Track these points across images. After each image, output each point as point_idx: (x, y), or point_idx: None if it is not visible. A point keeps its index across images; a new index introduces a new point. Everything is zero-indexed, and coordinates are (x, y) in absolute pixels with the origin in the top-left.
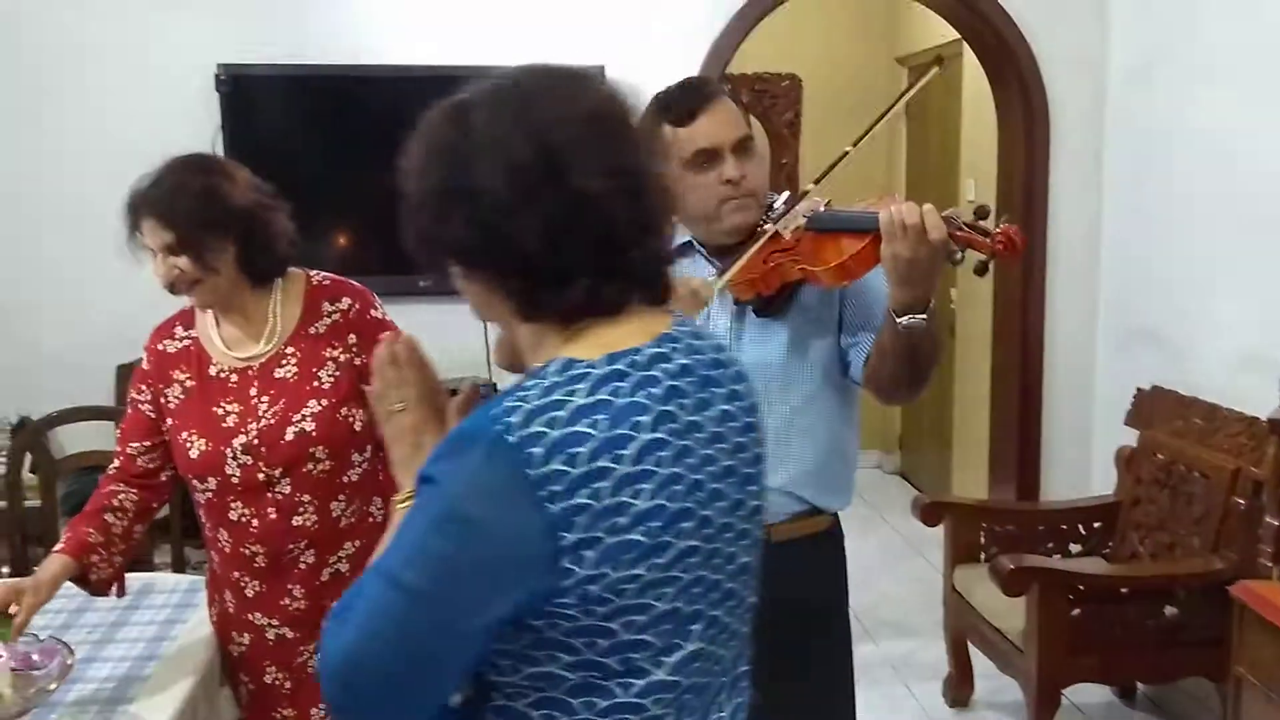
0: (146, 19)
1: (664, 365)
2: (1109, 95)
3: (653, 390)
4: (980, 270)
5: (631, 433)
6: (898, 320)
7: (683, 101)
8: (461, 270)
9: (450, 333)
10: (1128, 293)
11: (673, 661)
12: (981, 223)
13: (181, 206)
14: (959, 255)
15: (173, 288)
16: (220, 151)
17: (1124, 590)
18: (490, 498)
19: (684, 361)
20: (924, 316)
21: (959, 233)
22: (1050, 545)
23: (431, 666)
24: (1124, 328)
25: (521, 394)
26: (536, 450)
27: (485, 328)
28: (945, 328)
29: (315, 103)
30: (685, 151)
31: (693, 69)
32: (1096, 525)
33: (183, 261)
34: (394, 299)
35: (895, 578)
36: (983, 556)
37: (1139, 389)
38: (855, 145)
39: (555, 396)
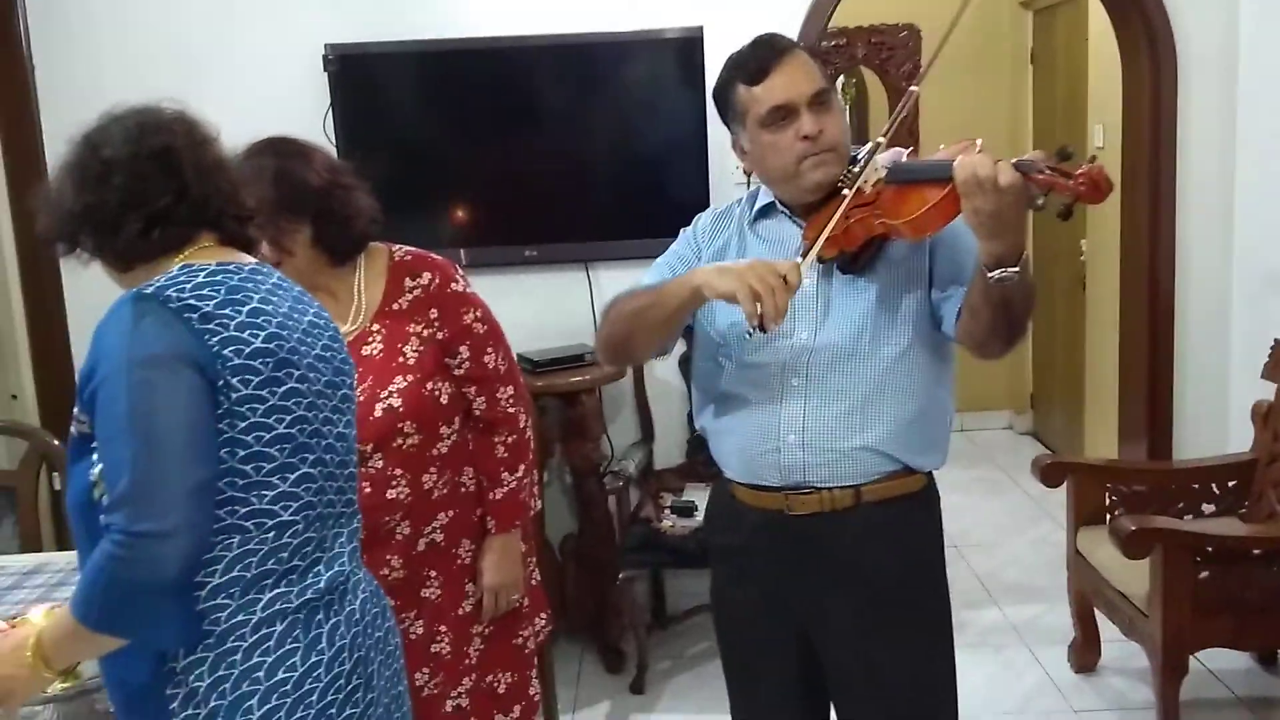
0: (258, 3)
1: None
2: (1241, 31)
3: (258, 277)
4: (1064, 214)
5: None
6: (989, 275)
7: (754, 59)
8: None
9: (556, 300)
10: (1264, 238)
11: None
12: (1064, 164)
13: (254, 191)
14: (1040, 200)
15: None
16: (330, 131)
17: (1257, 552)
18: None
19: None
20: (1016, 270)
21: (1040, 175)
22: (1181, 506)
23: None
24: (1260, 275)
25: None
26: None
27: (591, 297)
28: (1039, 279)
29: (422, 79)
30: (761, 109)
31: (794, 24)
32: (1231, 484)
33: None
34: (503, 269)
35: (1023, 541)
36: (1108, 518)
37: (1276, 339)
38: (918, 83)
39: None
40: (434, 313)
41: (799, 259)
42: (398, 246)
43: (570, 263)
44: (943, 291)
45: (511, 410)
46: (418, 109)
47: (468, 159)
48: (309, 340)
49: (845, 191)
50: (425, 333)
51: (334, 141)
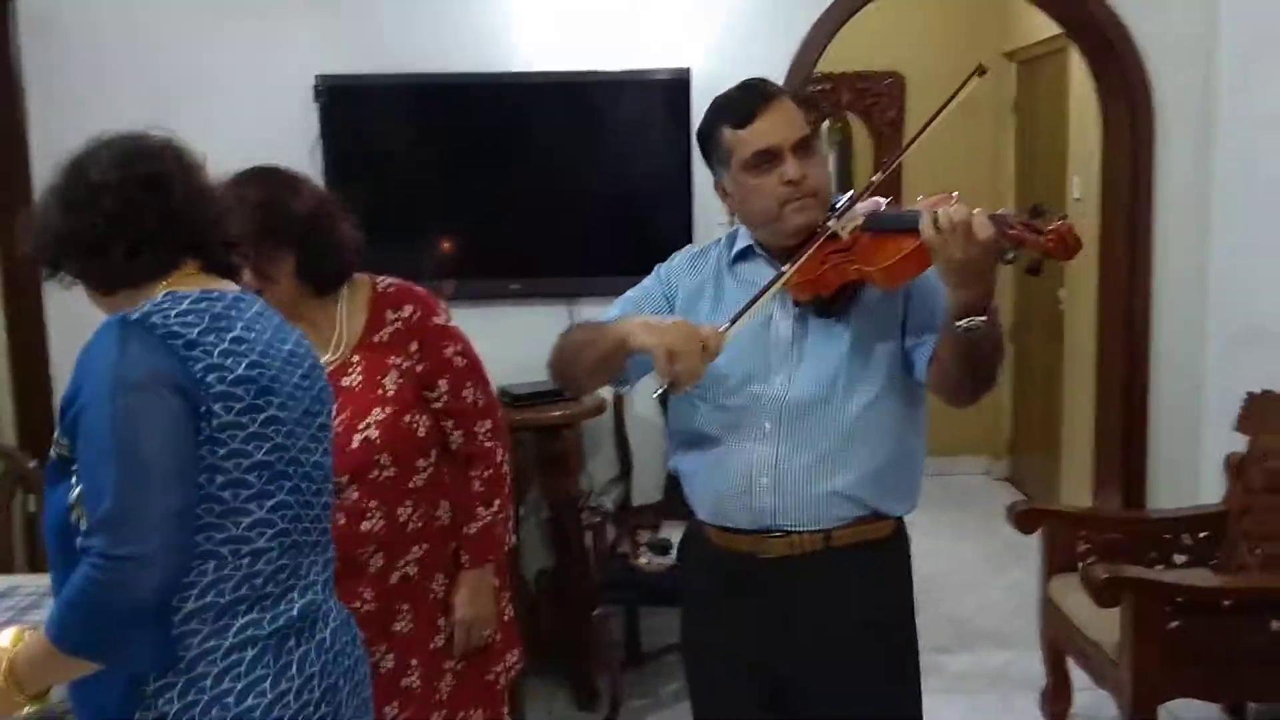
0: (248, 33)
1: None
2: (1218, 85)
3: (241, 305)
4: (1033, 270)
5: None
6: (956, 324)
7: (742, 103)
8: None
9: (539, 334)
10: (1239, 291)
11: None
12: (1036, 220)
13: (239, 220)
14: (1010, 254)
15: None
16: (319, 161)
17: (1227, 603)
18: None
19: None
20: (983, 319)
21: (1010, 231)
22: (1153, 555)
23: None
24: (1235, 328)
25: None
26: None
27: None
28: (1006, 330)
29: (411, 112)
30: (745, 153)
31: (780, 69)
32: (1203, 535)
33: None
34: (486, 302)
35: (997, 587)
36: (1080, 566)
37: (1249, 393)
38: (906, 148)
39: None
40: (414, 345)
41: (724, 327)
42: (382, 278)
43: (553, 297)
44: (916, 338)
45: (489, 445)
46: (406, 141)
47: (454, 192)
48: (289, 369)
49: (820, 237)
50: (405, 365)
51: (323, 172)
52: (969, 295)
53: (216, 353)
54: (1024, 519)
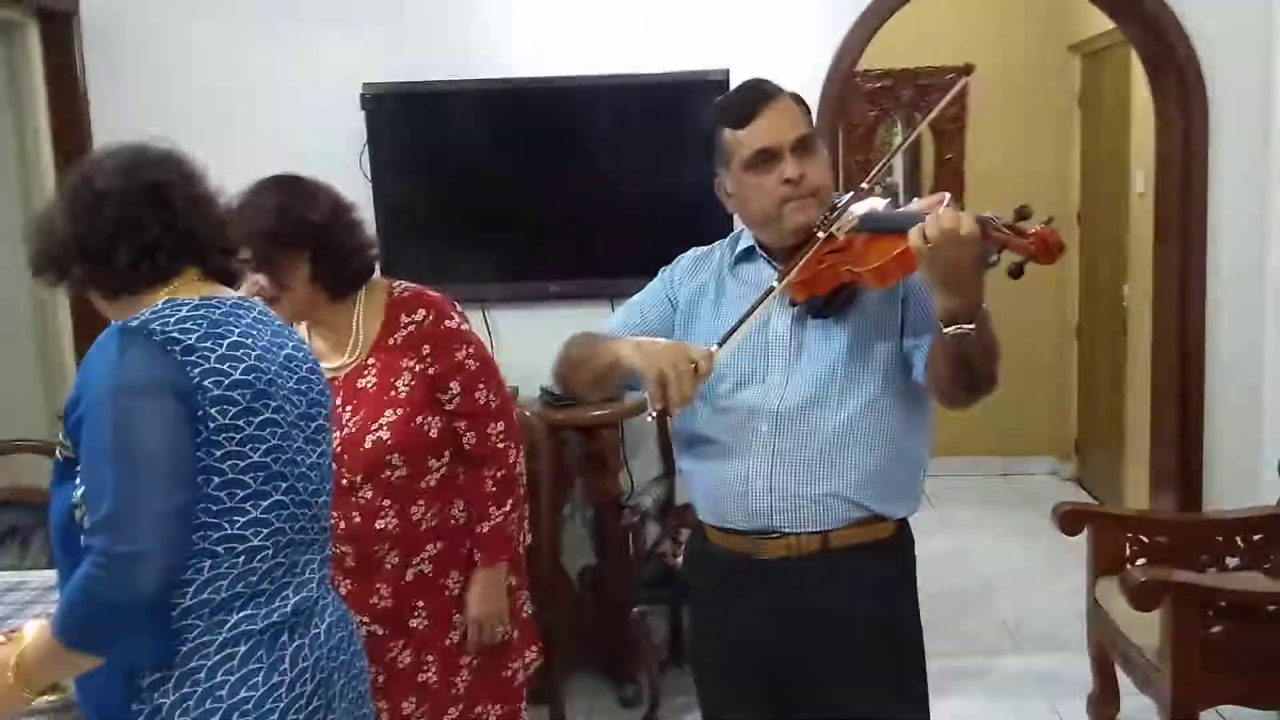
0: (297, 42)
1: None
2: (1275, 81)
3: (239, 312)
4: (1015, 273)
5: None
6: (944, 331)
7: (740, 103)
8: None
9: (580, 329)
10: None
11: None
12: (1021, 223)
13: (255, 226)
14: (994, 257)
15: None
16: (366, 167)
17: (1272, 608)
18: None
19: (258, 314)
20: (971, 327)
21: (995, 233)
22: (1205, 558)
23: None
24: None
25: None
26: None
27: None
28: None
29: (455, 118)
30: (744, 153)
31: (821, 68)
32: (1257, 538)
33: (260, 277)
34: (526, 304)
35: (1052, 589)
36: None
37: None
38: (899, 149)
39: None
40: (426, 348)
41: (714, 347)
42: (399, 283)
43: (593, 298)
44: (915, 340)
45: (501, 446)
46: (450, 147)
47: (498, 196)
48: (286, 373)
49: (820, 236)
50: (417, 367)
51: (369, 178)
52: (955, 301)
53: (214, 358)
54: (1068, 520)
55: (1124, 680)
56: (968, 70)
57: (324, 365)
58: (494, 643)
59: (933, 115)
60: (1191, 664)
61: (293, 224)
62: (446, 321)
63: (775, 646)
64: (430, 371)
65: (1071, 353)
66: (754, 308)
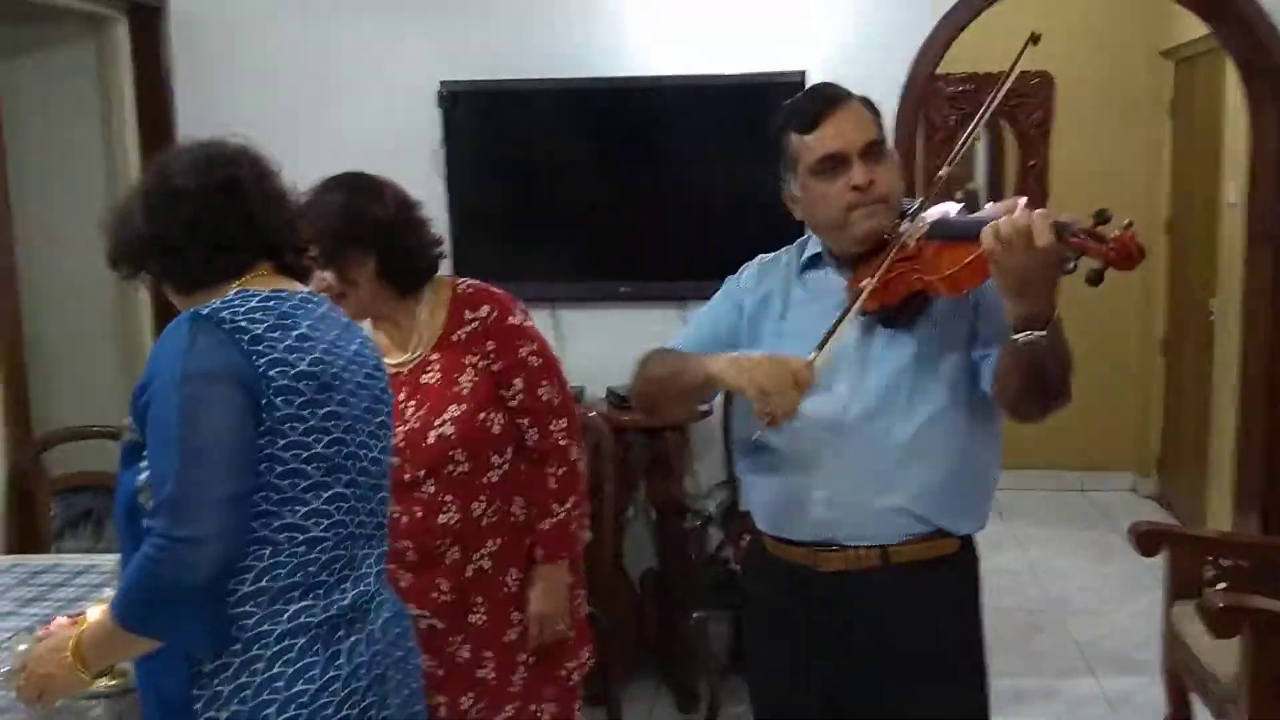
0: (375, 39)
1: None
2: None
3: (309, 305)
4: (1094, 280)
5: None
6: (1015, 337)
7: (807, 108)
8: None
9: (648, 336)
10: None
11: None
12: (1100, 228)
13: (322, 223)
14: (1072, 264)
15: None
16: (442, 165)
17: None
18: None
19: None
20: (1042, 334)
21: (1072, 239)
22: None
23: None
24: None
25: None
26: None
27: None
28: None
29: (532, 116)
30: (811, 158)
31: (900, 71)
32: None
33: (328, 274)
34: (595, 304)
35: (1130, 610)
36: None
37: None
38: (970, 136)
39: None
40: (490, 345)
41: (812, 355)
42: (463, 279)
43: (663, 300)
44: (984, 350)
45: (563, 443)
46: (525, 145)
47: (571, 195)
48: (351, 368)
49: (889, 245)
50: (481, 364)
51: (445, 176)
52: (1027, 307)
53: (281, 348)
54: (1146, 540)
55: (1199, 707)
56: (1035, 40)
57: (388, 361)
58: (554, 641)
59: (1000, 93)
60: (1270, 694)
61: (359, 221)
62: (510, 318)
63: (832, 661)
64: (494, 368)
65: (1156, 366)
66: (845, 313)
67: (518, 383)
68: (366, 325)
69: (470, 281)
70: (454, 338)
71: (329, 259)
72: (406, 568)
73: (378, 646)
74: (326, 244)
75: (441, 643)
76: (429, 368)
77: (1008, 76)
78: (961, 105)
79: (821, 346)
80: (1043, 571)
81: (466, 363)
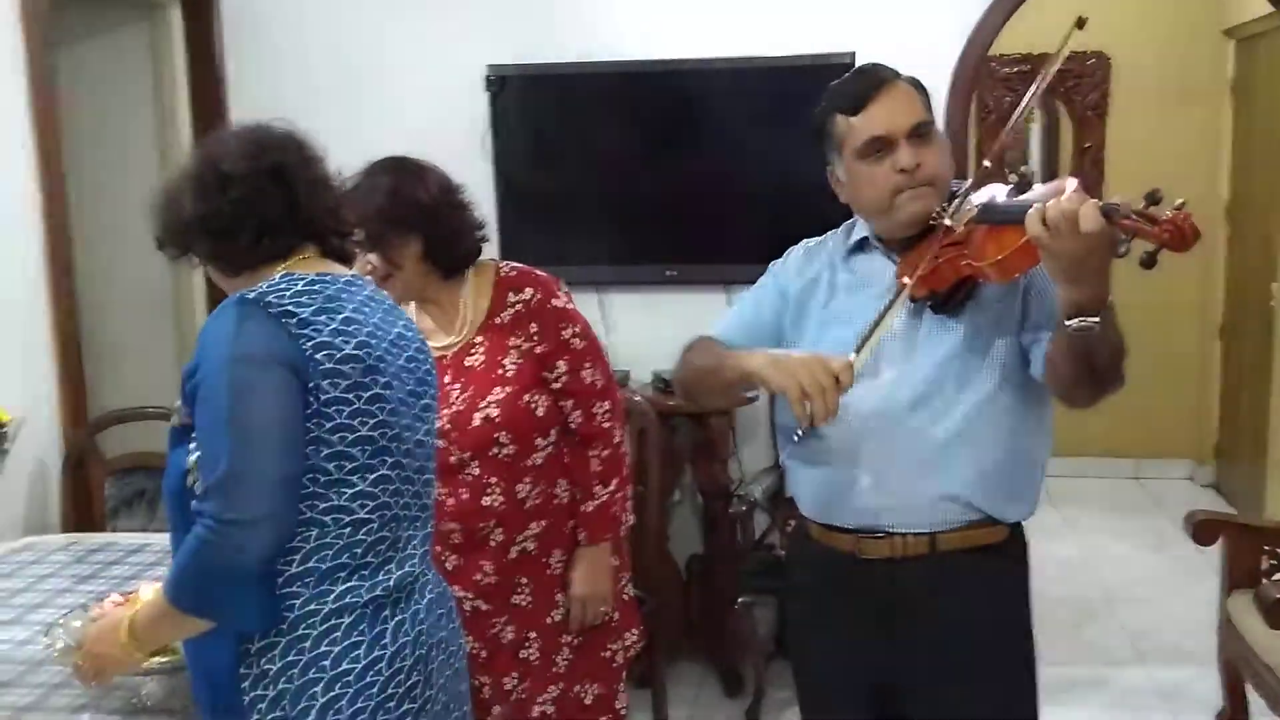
0: (422, 24)
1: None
2: None
3: (353, 289)
4: (1147, 262)
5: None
6: (1066, 323)
7: (854, 89)
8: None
9: (694, 320)
10: None
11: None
12: (1152, 209)
13: (367, 207)
14: (1124, 247)
15: None
16: (489, 149)
17: None
18: None
19: (370, 292)
20: (1095, 320)
21: (1125, 220)
22: None
23: None
24: None
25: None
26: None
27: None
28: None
29: (578, 100)
30: (858, 140)
31: (951, 52)
32: None
33: (373, 257)
34: (641, 288)
35: (1185, 600)
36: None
37: None
38: (1023, 117)
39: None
40: (534, 327)
41: (852, 355)
42: (505, 263)
43: (709, 284)
44: (1034, 335)
45: (607, 425)
46: (572, 129)
47: (618, 179)
48: (395, 351)
49: (937, 229)
50: (524, 346)
51: (492, 160)
52: (1079, 293)
53: (327, 331)
54: (1202, 529)
55: (1255, 700)
56: (1080, 24)
57: (432, 344)
58: (596, 623)
59: (1046, 77)
60: None
61: (403, 204)
62: (553, 300)
63: (877, 649)
64: (538, 350)
65: (1214, 351)
66: (888, 308)
67: (561, 365)
68: (411, 309)
69: (514, 265)
70: (497, 320)
71: (374, 242)
72: (452, 550)
73: (422, 626)
74: (372, 227)
75: (485, 624)
76: (473, 350)
77: (1048, 71)
78: (1015, 86)
79: (862, 346)
80: (1095, 559)
81: (510, 345)
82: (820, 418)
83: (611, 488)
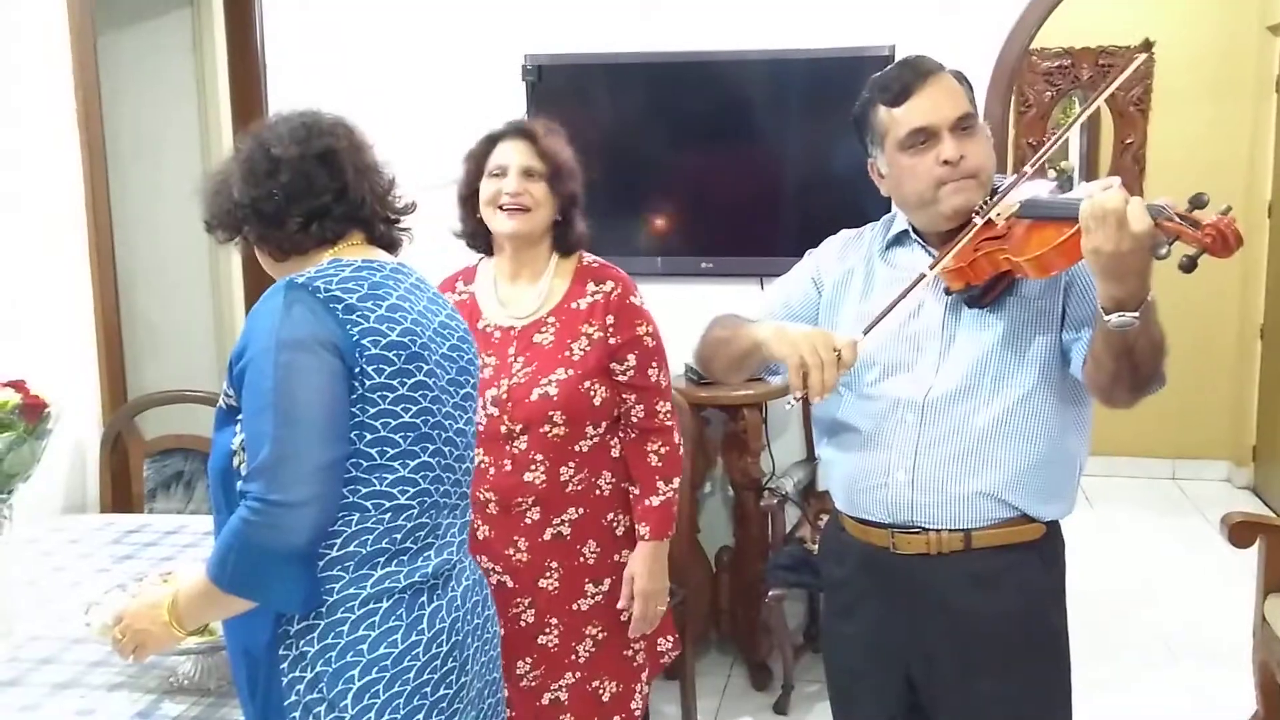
0: (461, 12)
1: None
2: None
3: (399, 276)
4: (1187, 267)
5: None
6: (1106, 319)
7: (897, 81)
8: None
9: (728, 308)
10: None
11: (413, 464)
12: (1196, 213)
13: (551, 144)
14: (1164, 249)
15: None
16: None
17: None
18: None
19: (415, 280)
20: (1135, 315)
21: (1167, 223)
22: None
23: None
24: None
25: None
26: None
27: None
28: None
29: (615, 90)
30: (900, 132)
31: (993, 46)
32: None
33: (537, 187)
34: (677, 279)
35: (1222, 602)
36: None
37: None
38: (1065, 132)
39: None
40: (610, 319)
41: (861, 335)
42: (587, 255)
43: (745, 276)
44: (1074, 333)
45: (669, 423)
46: (609, 120)
47: (654, 170)
48: (439, 339)
49: (976, 221)
50: (597, 335)
51: None
52: (1120, 289)
53: (373, 318)
54: (1239, 531)
55: None
56: (1147, 47)
57: (509, 312)
58: (656, 622)
59: (1103, 95)
60: None
61: (572, 160)
62: (632, 297)
63: (910, 645)
64: (611, 341)
65: (1254, 352)
66: (903, 295)
67: (631, 359)
68: (491, 276)
69: (595, 257)
70: (573, 305)
71: (548, 176)
72: (486, 520)
73: (458, 613)
74: (551, 163)
75: (508, 602)
76: (543, 328)
77: (1105, 89)
78: (1056, 81)
79: (870, 328)
80: (1130, 559)
81: (582, 331)
82: (815, 392)
83: (674, 485)
